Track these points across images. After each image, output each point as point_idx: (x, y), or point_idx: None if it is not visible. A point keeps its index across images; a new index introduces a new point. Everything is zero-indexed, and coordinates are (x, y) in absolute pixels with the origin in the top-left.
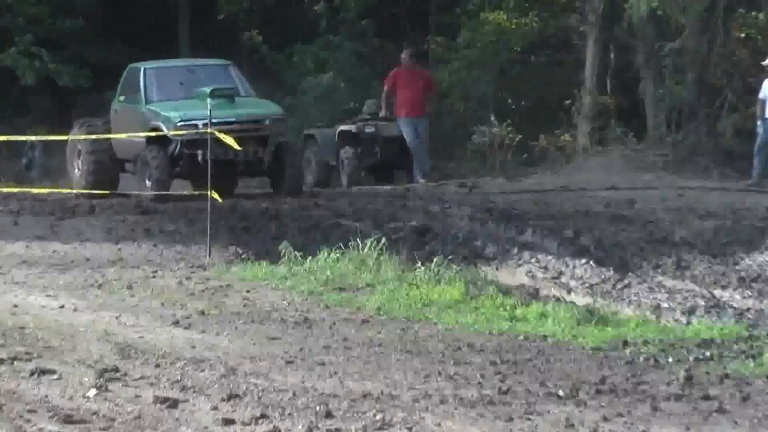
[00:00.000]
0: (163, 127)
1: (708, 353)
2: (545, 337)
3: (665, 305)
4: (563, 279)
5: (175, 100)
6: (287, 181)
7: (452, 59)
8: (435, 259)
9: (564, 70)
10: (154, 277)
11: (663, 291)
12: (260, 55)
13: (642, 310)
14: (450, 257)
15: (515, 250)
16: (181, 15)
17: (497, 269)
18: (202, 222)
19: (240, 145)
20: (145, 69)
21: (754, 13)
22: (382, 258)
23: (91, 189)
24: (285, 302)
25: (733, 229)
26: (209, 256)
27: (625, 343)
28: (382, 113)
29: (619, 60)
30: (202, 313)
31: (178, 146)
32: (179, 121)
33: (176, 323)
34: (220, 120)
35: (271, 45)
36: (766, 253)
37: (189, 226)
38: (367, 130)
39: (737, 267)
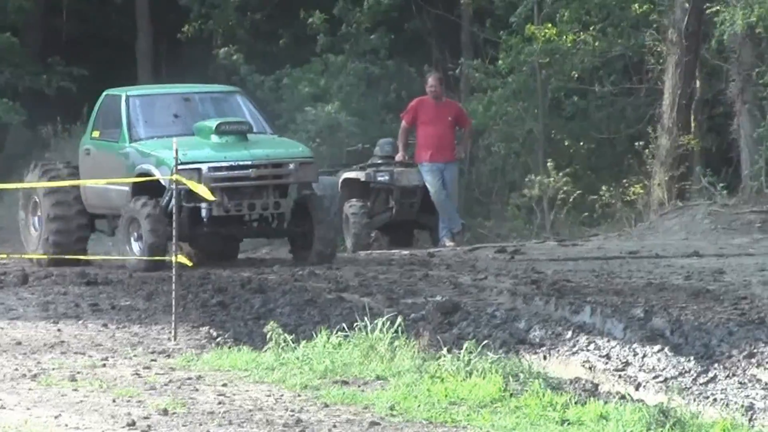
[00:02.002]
0: (156, 172)
1: None
2: None
3: (760, 405)
4: (630, 371)
5: (168, 137)
6: (317, 243)
7: (491, 87)
8: (465, 345)
9: (635, 103)
10: (103, 365)
11: (758, 387)
12: (239, 78)
13: (731, 411)
14: (485, 343)
15: (569, 334)
16: (140, 30)
17: (545, 358)
18: (165, 296)
19: (256, 196)
20: (128, 97)
21: None
22: (396, 343)
23: (55, 254)
24: (271, 399)
25: None
26: (174, 339)
27: None
28: (399, 156)
29: (707, 90)
30: (165, 412)
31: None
32: (177, 164)
33: (132, 425)
34: (232, 164)
35: (255, 66)
36: None
37: (148, 301)
38: (379, 178)
39: None
